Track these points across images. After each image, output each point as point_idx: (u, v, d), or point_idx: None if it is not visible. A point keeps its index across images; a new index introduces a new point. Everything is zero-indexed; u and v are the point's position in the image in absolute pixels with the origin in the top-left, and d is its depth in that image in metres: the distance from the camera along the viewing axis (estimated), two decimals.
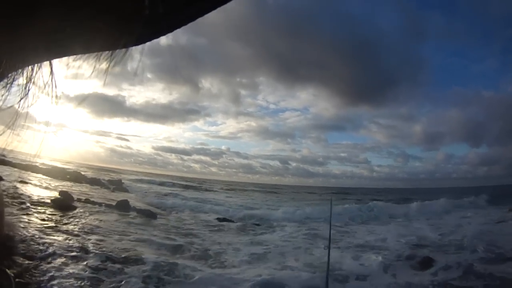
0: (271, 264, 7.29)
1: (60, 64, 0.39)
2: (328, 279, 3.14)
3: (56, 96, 0.40)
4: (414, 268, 7.12)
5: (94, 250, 6.47)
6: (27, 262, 5.15)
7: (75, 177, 23.58)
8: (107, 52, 0.38)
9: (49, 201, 10.56)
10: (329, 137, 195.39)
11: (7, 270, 0.47)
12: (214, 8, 0.40)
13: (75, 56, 0.39)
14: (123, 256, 6.43)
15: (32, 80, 0.39)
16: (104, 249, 6.73)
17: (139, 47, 0.39)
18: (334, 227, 11.38)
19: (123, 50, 0.38)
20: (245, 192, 41.82)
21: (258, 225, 13.70)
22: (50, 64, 0.39)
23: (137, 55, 0.40)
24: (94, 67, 0.38)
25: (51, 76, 0.39)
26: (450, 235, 10.67)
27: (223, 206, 19.97)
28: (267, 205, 23.55)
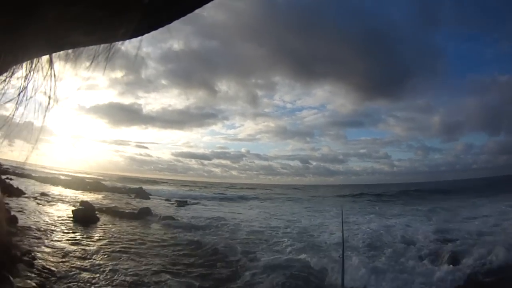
0: None
1: (58, 57, 0.37)
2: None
3: (55, 91, 0.39)
4: None
5: (118, 263, 5.76)
6: (44, 276, 4.69)
7: (95, 186, 23.38)
8: (105, 45, 0.37)
9: (70, 212, 10.02)
10: (348, 133, 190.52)
11: (10, 277, 0.69)
12: None
13: (73, 49, 0.37)
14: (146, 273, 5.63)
15: (32, 73, 0.38)
16: (128, 264, 5.95)
17: (137, 39, 0.39)
18: None
19: (121, 42, 0.37)
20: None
21: None
22: (50, 58, 0.38)
23: (138, 50, 0.42)
24: (93, 59, 0.37)
25: (50, 69, 0.38)
26: None
27: None
28: None
